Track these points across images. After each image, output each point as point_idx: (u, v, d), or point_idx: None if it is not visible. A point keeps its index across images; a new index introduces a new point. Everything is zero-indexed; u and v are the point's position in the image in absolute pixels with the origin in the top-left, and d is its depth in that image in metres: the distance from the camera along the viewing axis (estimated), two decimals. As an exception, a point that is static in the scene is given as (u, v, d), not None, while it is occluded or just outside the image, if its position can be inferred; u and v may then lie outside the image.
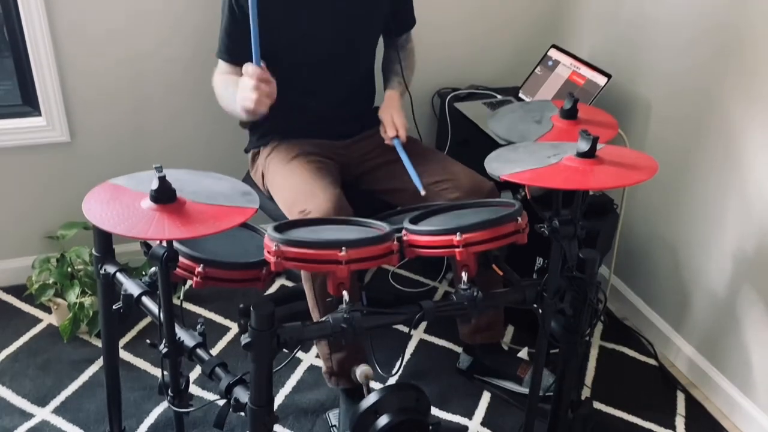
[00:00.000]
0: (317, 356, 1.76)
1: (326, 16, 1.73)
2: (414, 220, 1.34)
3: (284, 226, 1.30)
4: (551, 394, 1.57)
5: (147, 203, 1.14)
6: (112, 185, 1.22)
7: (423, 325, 2.18)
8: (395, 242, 1.24)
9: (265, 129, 1.87)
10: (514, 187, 1.90)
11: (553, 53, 2.30)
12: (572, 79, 2.19)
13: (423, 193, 1.65)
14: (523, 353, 2.04)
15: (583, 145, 1.27)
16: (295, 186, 1.69)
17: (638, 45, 2.13)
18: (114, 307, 1.45)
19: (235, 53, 1.73)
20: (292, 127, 1.85)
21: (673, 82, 2.02)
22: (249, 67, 1.53)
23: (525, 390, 1.88)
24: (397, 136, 1.78)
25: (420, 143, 1.95)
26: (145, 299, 1.39)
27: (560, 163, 1.28)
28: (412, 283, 2.40)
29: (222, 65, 1.78)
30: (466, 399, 1.93)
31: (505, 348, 2.07)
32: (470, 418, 1.88)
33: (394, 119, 1.79)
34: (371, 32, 1.87)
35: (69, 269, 2.05)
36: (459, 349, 2.05)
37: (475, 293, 1.26)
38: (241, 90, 1.56)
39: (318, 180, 1.68)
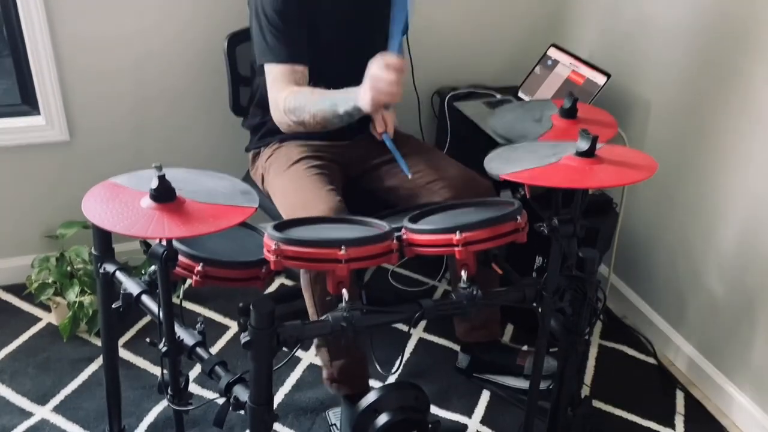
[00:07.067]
0: (317, 355, 1.76)
1: (345, 22, 1.74)
2: (413, 219, 1.34)
3: (284, 225, 1.30)
4: (551, 388, 1.57)
5: (146, 202, 1.14)
6: (111, 184, 1.22)
7: (422, 323, 2.18)
8: (395, 241, 1.24)
9: (266, 129, 1.86)
10: (513, 186, 1.90)
11: (553, 52, 2.29)
12: (572, 78, 2.19)
13: (410, 176, 1.68)
14: (522, 351, 2.04)
15: (583, 144, 1.27)
16: (295, 193, 1.68)
17: (638, 44, 2.13)
18: (113, 305, 1.46)
19: (295, 54, 1.67)
20: None
21: (672, 81, 2.02)
22: (391, 59, 1.44)
23: (525, 384, 1.88)
24: (386, 131, 1.79)
25: (417, 140, 1.95)
26: (145, 298, 1.39)
27: (560, 162, 1.28)
28: (412, 282, 2.40)
29: (279, 72, 1.65)
30: (465, 397, 1.93)
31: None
32: (470, 417, 1.88)
33: (383, 115, 1.80)
34: (380, 36, 1.86)
35: (68, 268, 2.05)
36: (459, 348, 2.05)
37: (474, 292, 1.26)
38: (377, 83, 1.45)
39: (318, 188, 1.67)
